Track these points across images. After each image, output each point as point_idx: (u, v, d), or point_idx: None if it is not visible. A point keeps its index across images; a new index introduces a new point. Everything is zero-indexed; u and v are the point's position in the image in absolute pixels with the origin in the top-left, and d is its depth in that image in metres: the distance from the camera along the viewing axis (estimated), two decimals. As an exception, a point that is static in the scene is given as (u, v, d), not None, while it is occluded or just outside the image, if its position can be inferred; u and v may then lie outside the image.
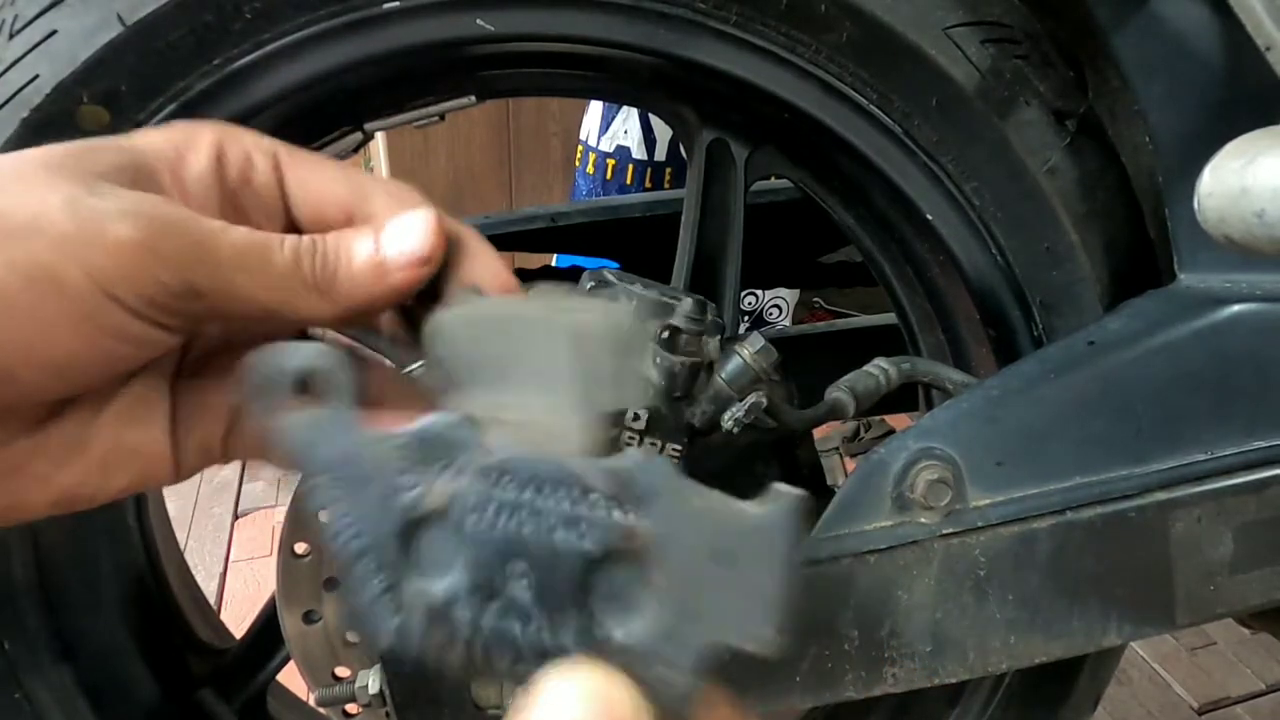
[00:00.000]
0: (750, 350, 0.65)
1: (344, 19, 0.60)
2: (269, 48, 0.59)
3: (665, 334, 0.63)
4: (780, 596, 0.28)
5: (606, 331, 0.33)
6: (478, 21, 0.63)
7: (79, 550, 0.71)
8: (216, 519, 2.00)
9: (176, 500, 1.96)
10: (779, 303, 2.34)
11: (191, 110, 0.59)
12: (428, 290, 0.36)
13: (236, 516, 2.02)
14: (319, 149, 0.69)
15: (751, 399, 0.63)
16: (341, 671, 0.82)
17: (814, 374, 0.73)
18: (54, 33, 0.56)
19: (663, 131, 2.00)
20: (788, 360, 0.68)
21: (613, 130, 2.04)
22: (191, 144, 0.35)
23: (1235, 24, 0.56)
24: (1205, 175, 0.50)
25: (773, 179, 0.85)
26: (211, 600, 1.53)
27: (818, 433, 0.76)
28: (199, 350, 0.37)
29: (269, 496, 2.08)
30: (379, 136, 1.61)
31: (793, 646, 0.63)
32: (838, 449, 0.79)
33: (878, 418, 2.14)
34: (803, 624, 0.63)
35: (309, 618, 0.80)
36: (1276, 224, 0.47)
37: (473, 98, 0.71)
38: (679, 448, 0.66)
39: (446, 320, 0.35)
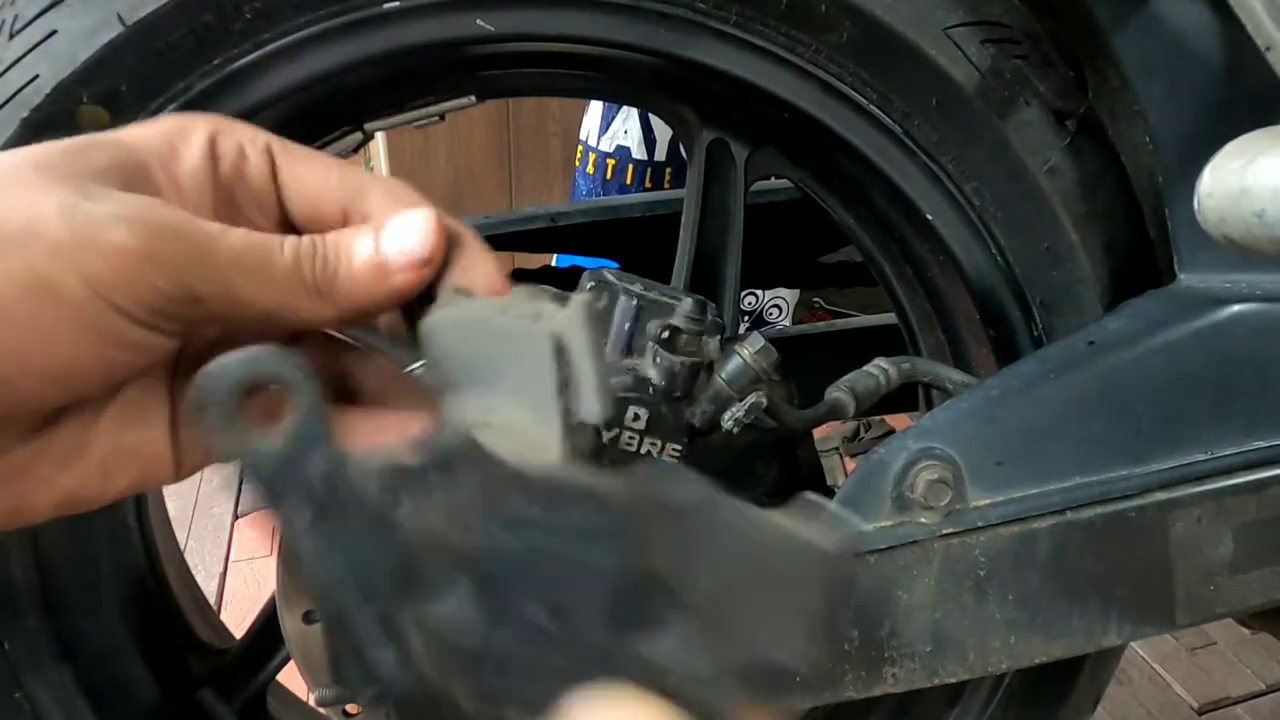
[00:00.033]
0: (750, 350, 0.65)
1: (344, 19, 0.60)
2: (269, 48, 0.59)
3: (665, 334, 0.63)
4: (824, 615, 0.27)
5: (582, 336, 0.32)
6: (478, 22, 0.62)
7: (79, 551, 0.71)
8: (216, 519, 2.00)
9: (176, 500, 1.95)
10: (779, 303, 2.34)
11: (192, 110, 0.59)
12: (426, 289, 0.36)
13: (236, 516, 2.02)
14: (319, 149, 0.69)
15: (751, 399, 0.63)
16: (341, 671, 0.82)
17: (814, 374, 0.73)
18: (54, 33, 0.56)
19: (663, 131, 2.00)
20: (788, 360, 0.68)
21: (613, 130, 2.04)
22: (184, 137, 0.34)
23: (1235, 24, 0.56)
24: (1205, 175, 0.50)
25: (773, 179, 0.85)
26: (211, 600, 1.53)
27: (818, 433, 0.76)
28: (195, 349, 0.36)
29: (269, 496, 2.07)
30: (379, 136, 1.62)
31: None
32: (838, 449, 0.79)
33: (878, 418, 2.14)
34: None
35: (309, 618, 0.80)
36: (1276, 224, 0.47)
37: (473, 98, 0.71)
38: (679, 448, 0.66)
39: (437, 322, 0.34)
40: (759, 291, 2.29)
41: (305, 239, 0.33)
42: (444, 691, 0.28)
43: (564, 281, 0.73)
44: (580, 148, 2.12)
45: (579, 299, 0.32)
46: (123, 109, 0.57)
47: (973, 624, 0.64)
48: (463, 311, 0.34)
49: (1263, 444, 0.66)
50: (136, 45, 0.57)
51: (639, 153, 2.03)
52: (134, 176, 0.32)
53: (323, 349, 0.37)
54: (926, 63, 0.66)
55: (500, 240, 1.01)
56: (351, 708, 0.83)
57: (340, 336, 0.39)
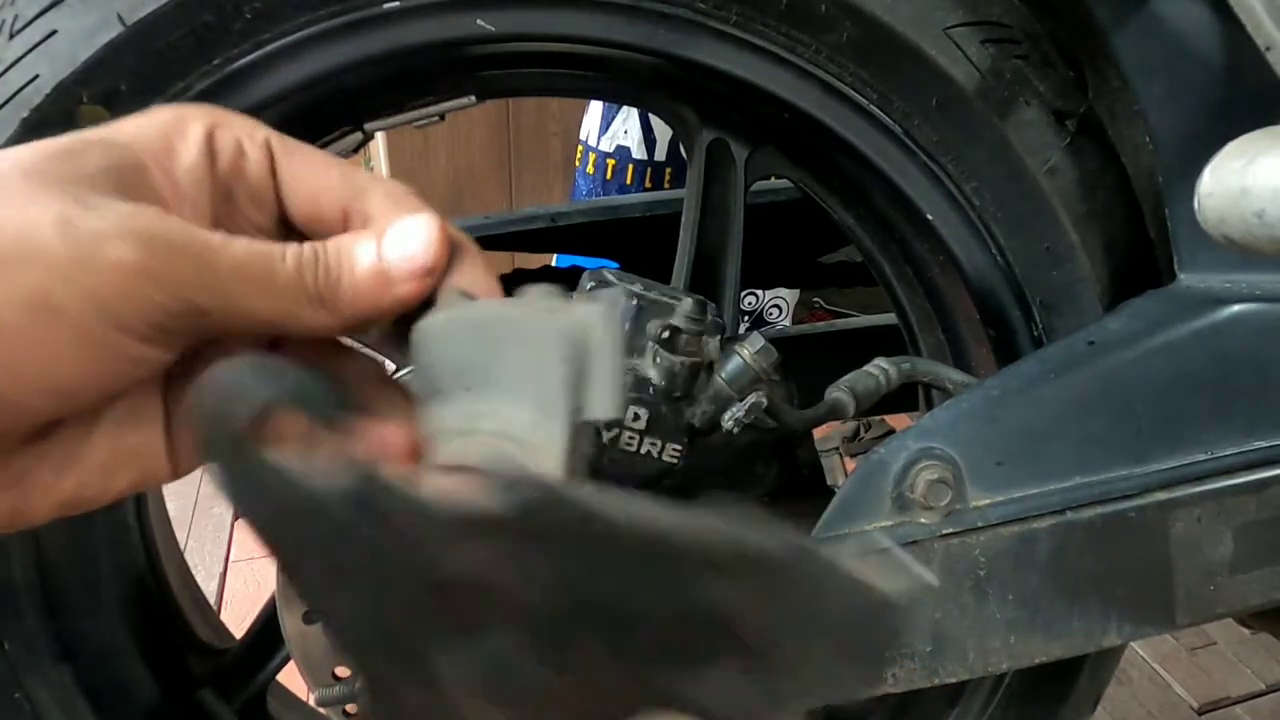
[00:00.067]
0: (750, 350, 0.65)
1: (344, 19, 0.60)
2: (269, 48, 0.59)
3: (665, 334, 0.63)
4: (878, 658, 0.27)
5: (599, 335, 0.32)
6: (478, 21, 0.62)
7: (79, 551, 0.71)
8: (216, 519, 2.00)
9: (176, 500, 1.95)
10: (779, 303, 2.34)
11: (191, 110, 0.59)
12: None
13: (237, 516, 2.02)
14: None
15: (751, 399, 0.63)
16: (341, 671, 0.82)
17: (814, 374, 0.73)
18: (54, 33, 0.56)
19: (663, 131, 2.00)
20: (788, 360, 0.68)
21: (613, 130, 2.04)
22: (180, 133, 0.33)
23: (1235, 24, 0.56)
24: (1205, 175, 0.50)
25: (773, 179, 0.85)
26: (211, 600, 1.53)
27: (818, 433, 0.76)
28: (185, 350, 0.36)
29: (269, 496, 2.07)
30: (379, 136, 1.62)
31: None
32: (838, 449, 0.79)
33: (878, 418, 2.14)
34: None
35: (309, 618, 0.80)
36: (1276, 224, 0.47)
37: (473, 98, 0.70)
38: (679, 448, 0.66)
39: (433, 325, 0.34)
40: (759, 291, 2.29)
41: (307, 247, 0.33)
42: None
43: (564, 281, 0.73)
44: (580, 148, 2.12)
45: (607, 293, 0.32)
46: (123, 109, 0.57)
47: (973, 624, 0.64)
48: (465, 312, 0.34)
49: (1263, 444, 0.66)
50: (136, 45, 0.57)
51: (639, 153, 2.03)
52: (130, 179, 0.31)
53: (306, 348, 0.37)
54: (926, 63, 0.66)
55: (500, 240, 1.01)
56: (351, 708, 0.83)
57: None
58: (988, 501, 0.64)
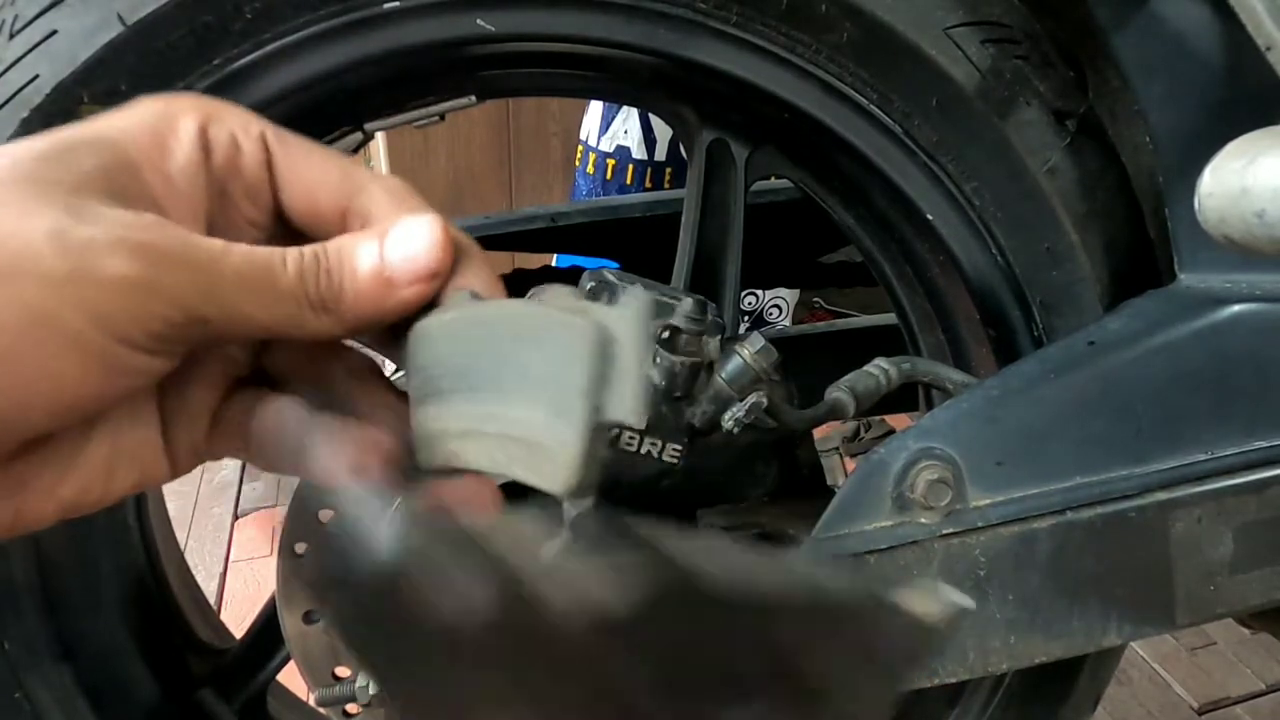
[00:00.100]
0: (750, 350, 0.65)
1: (344, 19, 0.60)
2: (269, 48, 0.59)
3: (665, 334, 0.63)
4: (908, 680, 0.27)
5: (625, 338, 0.30)
6: (478, 21, 0.62)
7: (79, 551, 0.71)
8: (216, 519, 2.00)
9: (176, 500, 1.95)
10: (779, 303, 2.34)
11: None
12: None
13: (236, 516, 2.02)
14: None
15: (752, 399, 0.63)
16: (341, 671, 0.82)
17: (814, 374, 0.73)
18: (54, 33, 0.56)
19: (663, 131, 2.00)
20: (788, 360, 0.68)
21: (613, 130, 2.04)
22: (172, 128, 0.32)
23: (1235, 24, 0.56)
24: (1205, 175, 0.50)
25: (773, 179, 0.85)
26: (211, 600, 1.53)
27: (818, 433, 0.76)
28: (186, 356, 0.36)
29: (269, 496, 2.08)
30: (379, 136, 1.62)
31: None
32: (838, 449, 0.79)
33: (878, 418, 2.14)
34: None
35: (309, 618, 0.80)
36: (1277, 224, 0.47)
37: (473, 98, 0.70)
38: (679, 448, 0.66)
39: (433, 324, 0.33)
40: (759, 291, 2.29)
41: (308, 252, 0.32)
42: None
43: (564, 282, 0.73)
44: (580, 148, 2.12)
45: (637, 295, 0.31)
46: (123, 109, 0.57)
47: (973, 624, 0.64)
48: (474, 311, 0.33)
49: (1263, 444, 0.66)
50: (136, 45, 0.57)
51: (639, 153, 2.03)
52: (123, 180, 0.30)
53: (298, 348, 0.36)
54: (926, 63, 0.66)
55: (500, 240, 1.01)
56: (351, 708, 0.83)
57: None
58: (988, 501, 0.64)
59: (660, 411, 0.65)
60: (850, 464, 0.70)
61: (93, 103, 0.57)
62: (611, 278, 0.68)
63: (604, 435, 0.30)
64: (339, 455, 0.33)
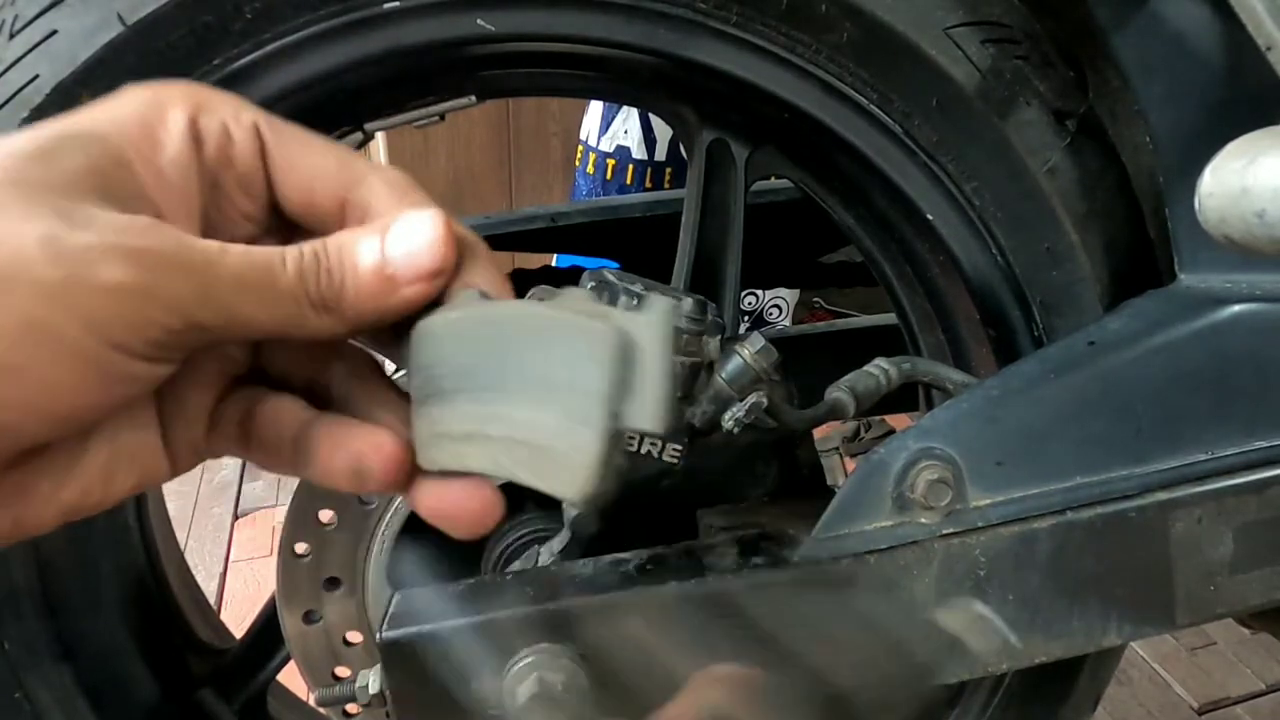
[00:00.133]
0: (750, 350, 0.65)
1: (344, 19, 0.60)
2: (269, 48, 0.59)
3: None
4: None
5: (655, 342, 0.30)
6: (478, 21, 0.62)
7: (79, 551, 0.71)
8: (216, 519, 2.00)
9: (176, 500, 1.96)
10: (779, 303, 2.34)
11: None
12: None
13: (236, 516, 2.02)
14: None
15: (752, 399, 0.63)
16: (341, 671, 0.82)
17: (814, 374, 0.73)
18: (54, 33, 0.56)
19: (663, 131, 2.00)
20: (788, 360, 0.68)
21: (613, 130, 2.04)
22: (161, 119, 0.31)
23: (1235, 24, 0.56)
24: (1206, 175, 0.50)
25: (773, 179, 0.85)
26: (211, 600, 1.53)
27: (818, 433, 0.76)
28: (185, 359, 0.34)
29: (269, 496, 2.08)
30: (379, 136, 1.62)
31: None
32: (838, 449, 0.79)
33: (878, 418, 2.14)
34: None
35: (309, 618, 0.80)
36: (1277, 224, 0.47)
37: (473, 98, 0.70)
38: (679, 448, 0.66)
39: (438, 323, 0.32)
40: (759, 291, 2.29)
41: (308, 250, 0.31)
42: None
43: (564, 282, 0.73)
44: (580, 148, 2.12)
45: (661, 301, 0.30)
46: (123, 109, 0.57)
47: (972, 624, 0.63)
48: (484, 310, 0.32)
49: (1263, 444, 0.66)
50: (136, 45, 0.57)
51: (639, 153, 2.03)
52: (114, 178, 0.29)
53: (296, 347, 0.35)
54: (926, 63, 0.66)
55: (500, 240, 1.01)
56: (351, 708, 0.83)
57: None
58: (988, 501, 0.64)
59: (660, 411, 0.65)
60: (850, 464, 0.70)
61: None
62: (611, 278, 0.68)
63: (621, 443, 0.30)
64: (339, 456, 0.33)
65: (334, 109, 0.66)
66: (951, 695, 0.80)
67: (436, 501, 0.34)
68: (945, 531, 0.63)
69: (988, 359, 0.76)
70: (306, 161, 0.33)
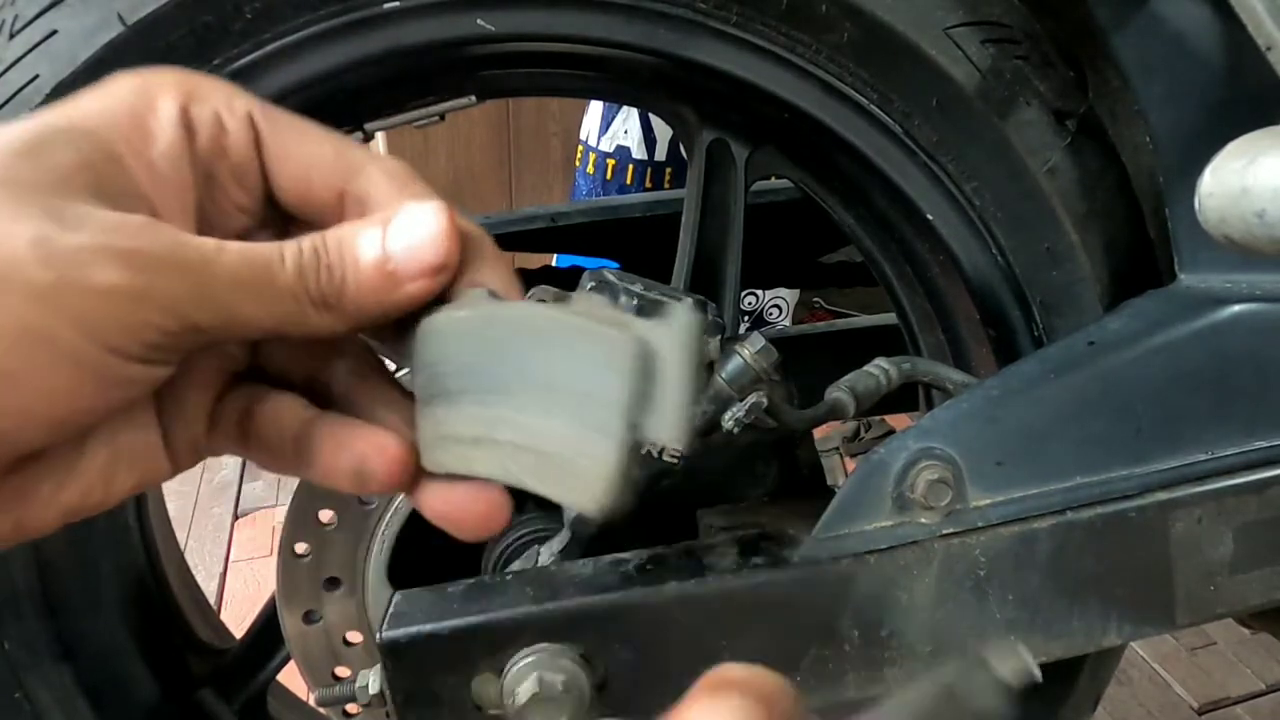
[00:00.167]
0: (750, 350, 0.65)
1: (344, 19, 0.60)
2: (269, 48, 0.59)
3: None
4: None
5: (678, 354, 0.29)
6: (478, 21, 0.62)
7: (79, 551, 0.71)
8: (216, 519, 2.00)
9: (176, 500, 1.96)
10: (779, 303, 2.34)
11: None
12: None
13: (236, 516, 2.02)
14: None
15: (752, 399, 0.63)
16: (341, 671, 0.82)
17: (814, 374, 0.73)
18: (54, 33, 0.56)
19: (663, 131, 2.00)
20: (788, 360, 0.68)
21: (613, 130, 2.04)
22: (151, 110, 0.30)
23: (1235, 24, 0.56)
24: (1206, 175, 0.50)
25: (773, 179, 0.85)
26: (211, 600, 1.53)
27: (818, 433, 0.76)
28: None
29: (269, 496, 2.08)
30: (379, 136, 1.61)
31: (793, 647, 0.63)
32: (838, 449, 0.79)
33: (878, 418, 2.14)
34: (802, 624, 0.63)
35: (309, 618, 0.80)
36: (1277, 224, 0.47)
37: (473, 98, 0.70)
38: (679, 448, 0.66)
39: (446, 321, 0.31)
40: (759, 291, 2.29)
41: (306, 245, 0.30)
42: None
43: (564, 281, 0.73)
44: (580, 148, 2.12)
45: (684, 313, 0.29)
46: (123, 109, 0.57)
47: (973, 624, 0.63)
48: (495, 311, 0.31)
49: (1263, 444, 0.66)
50: (136, 45, 0.57)
51: (639, 153, 2.03)
52: (106, 174, 0.28)
53: (295, 343, 0.34)
54: (926, 63, 0.66)
55: (500, 240, 1.00)
56: (352, 708, 0.83)
57: None
58: (988, 501, 0.64)
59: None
60: (850, 464, 0.70)
61: (93, 103, 0.57)
62: (611, 278, 0.68)
63: (640, 455, 0.29)
64: (341, 458, 0.33)
65: (334, 109, 0.66)
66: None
67: (442, 504, 0.33)
68: (945, 531, 0.63)
69: (988, 359, 0.76)
70: (303, 151, 0.32)
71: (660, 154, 2.03)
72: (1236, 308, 0.64)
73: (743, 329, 1.07)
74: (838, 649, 0.63)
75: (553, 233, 1.01)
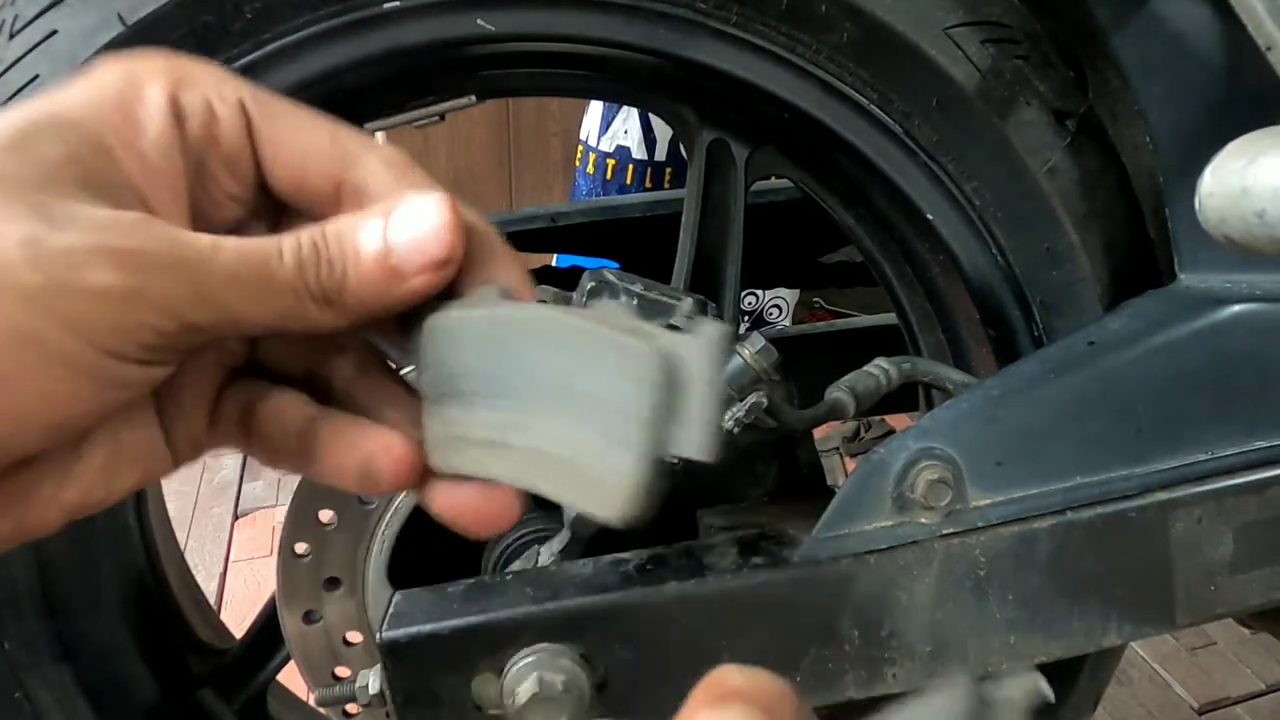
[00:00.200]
0: (750, 350, 0.65)
1: (344, 19, 0.60)
2: (269, 48, 0.59)
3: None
4: None
5: (705, 369, 0.28)
6: (478, 21, 0.63)
7: (79, 551, 0.71)
8: (216, 519, 2.00)
9: (176, 500, 1.96)
10: (779, 303, 2.34)
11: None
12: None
13: (236, 516, 2.02)
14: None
15: (752, 399, 0.63)
16: (341, 671, 0.82)
17: (814, 374, 0.73)
18: (54, 33, 0.56)
19: (663, 131, 2.00)
20: (788, 360, 0.68)
21: (613, 130, 2.04)
22: (139, 98, 0.29)
23: (1235, 24, 0.56)
24: (1206, 175, 0.50)
25: (773, 179, 0.85)
26: (211, 600, 1.53)
27: (818, 433, 0.76)
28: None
29: (269, 496, 2.08)
30: (379, 136, 1.61)
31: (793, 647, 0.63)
32: (838, 449, 0.79)
33: (878, 418, 2.14)
34: (802, 624, 0.63)
35: (309, 618, 0.80)
36: (1277, 224, 0.47)
37: (473, 98, 0.70)
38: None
39: (457, 320, 0.31)
40: (759, 291, 2.29)
41: (305, 239, 0.29)
42: None
43: (564, 281, 0.73)
44: (580, 148, 2.12)
45: (712, 326, 0.29)
46: (123, 109, 0.57)
47: (973, 624, 0.63)
48: (511, 312, 0.30)
49: (1263, 444, 0.66)
50: (136, 45, 0.57)
51: (639, 153, 2.03)
52: (95, 167, 0.27)
53: (294, 338, 0.34)
54: (926, 63, 0.66)
55: (500, 240, 1.01)
56: (351, 708, 0.83)
57: None
58: (988, 501, 0.64)
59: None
60: (850, 464, 0.70)
61: (93, 103, 0.57)
62: (611, 278, 0.68)
63: (661, 466, 0.29)
64: (348, 458, 0.32)
65: (334, 109, 0.66)
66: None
67: (451, 503, 0.33)
68: (945, 531, 0.63)
69: (988, 359, 0.76)
70: (296, 138, 0.31)
71: (660, 154, 2.02)
72: (1236, 308, 0.64)
73: (743, 329, 1.07)
74: (838, 649, 0.63)
75: (553, 233, 1.01)
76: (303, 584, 0.79)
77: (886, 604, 0.62)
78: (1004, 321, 0.74)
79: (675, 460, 0.28)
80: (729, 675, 0.27)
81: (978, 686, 0.29)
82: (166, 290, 0.26)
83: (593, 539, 0.71)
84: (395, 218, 0.30)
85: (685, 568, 0.62)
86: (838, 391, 0.69)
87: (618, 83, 0.73)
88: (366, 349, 0.34)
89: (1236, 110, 0.61)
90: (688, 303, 0.65)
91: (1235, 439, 0.66)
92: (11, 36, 0.57)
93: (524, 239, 1.01)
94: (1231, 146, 0.50)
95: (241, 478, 2.12)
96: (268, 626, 0.85)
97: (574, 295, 0.68)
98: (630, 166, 2.03)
